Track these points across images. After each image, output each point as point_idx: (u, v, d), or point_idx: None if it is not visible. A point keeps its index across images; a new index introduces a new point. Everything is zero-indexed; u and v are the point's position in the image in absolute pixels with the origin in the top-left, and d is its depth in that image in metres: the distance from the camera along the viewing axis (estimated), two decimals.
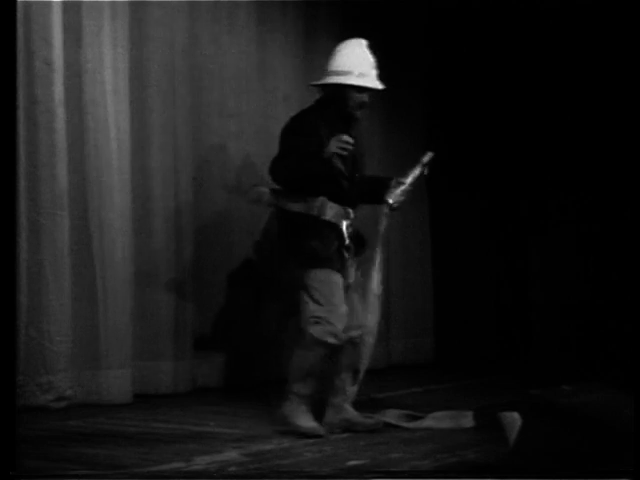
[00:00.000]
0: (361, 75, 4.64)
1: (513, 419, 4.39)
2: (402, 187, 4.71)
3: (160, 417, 5.03)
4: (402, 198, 4.72)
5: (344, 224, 4.69)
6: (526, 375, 6.40)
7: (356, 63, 4.65)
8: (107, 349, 5.39)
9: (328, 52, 6.42)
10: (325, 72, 4.72)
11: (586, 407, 4.84)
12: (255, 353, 6.20)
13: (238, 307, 6.16)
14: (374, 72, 4.69)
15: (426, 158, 4.80)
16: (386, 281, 6.98)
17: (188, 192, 5.90)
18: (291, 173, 4.61)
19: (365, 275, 4.76)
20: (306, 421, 4.62)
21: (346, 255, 4.70)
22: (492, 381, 6.42)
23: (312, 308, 4.64)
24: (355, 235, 4.74)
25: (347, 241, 4.68)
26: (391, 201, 4.69)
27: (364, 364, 4.74)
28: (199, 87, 6.01)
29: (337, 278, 4.67)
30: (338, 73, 4.66)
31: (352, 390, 4.77)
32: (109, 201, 5.40)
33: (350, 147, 4.51)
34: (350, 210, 4.73)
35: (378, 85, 4.70)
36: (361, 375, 4.75)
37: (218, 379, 6.08)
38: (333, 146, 4.50)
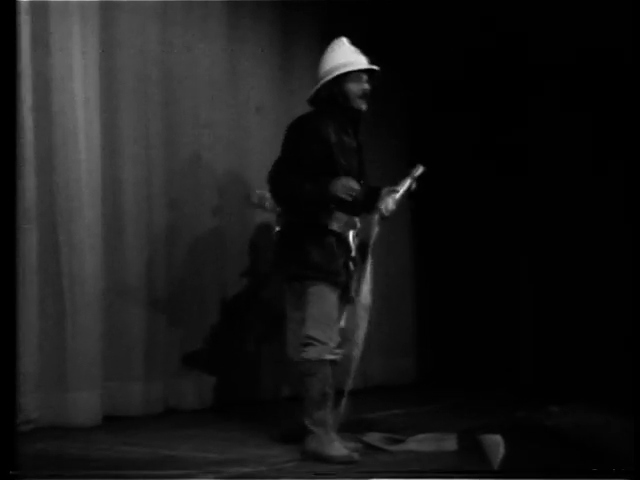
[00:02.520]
0: (351, 64, 4.57)
1: (495, 442, 4.35)
2: (394, 196, 4.64)
3: (130, 440, 4.86)
4: (394, 207, 4.64)
5: (351, 235, 4.58)
6: (511, 396, 6.33)
7: (341, 56, 4.59)
8: (75, 369, 5.21)
9: (303, 60, 6.38)
10: (316, 80, 4.66)
11: (573, 428, 4.83)
12: (229, 374, 6.06)
13: (211, 326, 6.03)
14: (363, 58, 4.63)
15: (417, 171, 4.73)
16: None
17: (161, 206, 5.76)
18: (290, 197, 4.53)
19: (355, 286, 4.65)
20: (338, 450, 4.45)
21: (352, 267, 4.60)
22: (475, 402, 6.30)
23: (305, 330, 4.54)
24: (361, 246, 4.64)
25: (354, 253, 4.58)
26: (384, 210, 4.60)
27: (349, 383, 4.61)
28: (171, 97, 5.88)
29: (335, 296, 4.55)
30: (329, 72, 4.58)
31: (338, 413, 4.63)
32: (78, 215, 5.24)
33: (354, 194, 4.41)
34: (357, 219, 4.62)
35: (371, 66, 4.62)
36: (346, 394, 4.61)
37: (191, 401, 5.92)
38: (340, 190, 4.40)
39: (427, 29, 7.38)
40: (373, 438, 4.75)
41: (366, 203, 4.64)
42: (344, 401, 4.61)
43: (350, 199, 4.44)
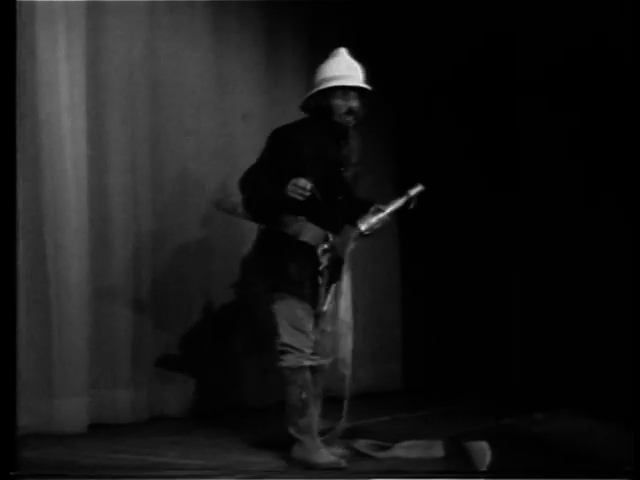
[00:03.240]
0: (343, 78, 4.48)
1: (481, 449, 4.37)
2: (379, 215, 4.54)
3: (117, 447, 4.87)
4: (376, 226, 4.54)
5: (320, 248, 4.52)
6: (497, 403, 6.33)
7: (335, 69, 4.52)
8: (62, 376, 5.22)
9: (290, 66, 6.37)
10: (310, 89, 4.60)
11: (558, 435, 4.84)
12: (216, 381, 6.08)
13: (197, 334, 6.03)
14: (359, 75, 4.54)
15: (414, 191, 4.62)
16: (352, 305, 7.00)
17: (147, 213, 5.77)
18: (251, 199, 4.56)
19: (334, 303, 4.62)
20: (324, 457, 4.45)
21: (320, 281, 4.55)
22: (462, 409, 6.31)
23: (280, 338, 4.54)
24: (335, 260, 4.57)
25: (321, 266, 4.51)
26: (362, 228, 4.52)
27: (346, 403, 4.57)
28: (157, 104, 5.89)
29: (305, 306, 4.54)
30: (319, 84, 4.53)
31: (340, 426, 4.61)
32: (65, 221, 5.25)
33: (307, 193, 4.32)
34: (330, 234, 4.55)
35: (362, 84, 4.52)
36: (345, 409, 4.57)
37: (178, 407, 5.93)
38: (290, 189, 4.33)
39: (414, 30, 7.37)
40: (360, 444, 4.76)
41: (350, 217, 4.59)
42: (343, 420, 4.57)
43: (302, 198, 4.34)
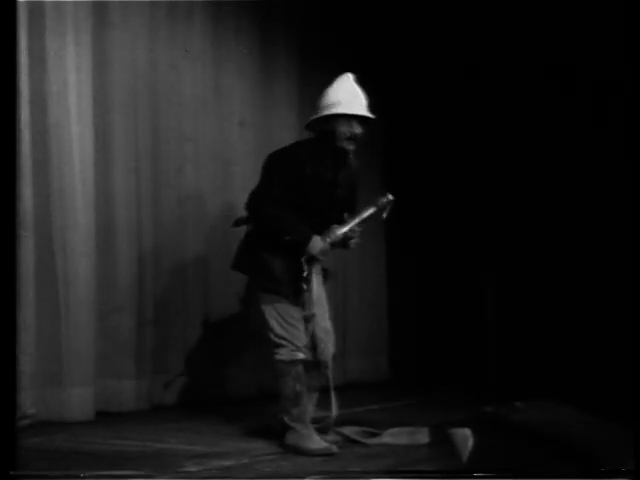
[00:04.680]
0: (347, 105, 4.63)
1: (464, 436, 4.48)
2: (343, 228, 4.72)
3: (122, 434, 5.04)
4: (339, 238, 4.72)
5: (303, 257, 4.70)
6: (480, 392, 6.47)
7: (341, 95, 4.66)
8: (70, 367, 5.41)
9: (286, 76, 6.47)
10: (315, 110, 4.73)
11: (539, 424, 4.94)
12: (216, 371, 6.27)
13: (198, 325, 6.24)
14: (363, 102, 4.69)
15: (383, 201, 4.76)
16: (342, 301, 7.14)
17: (150, 214, 5.97)
18: (270, 233, 4.68)
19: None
20: (316, 443, 4.65)
21: (304, 287, 4.72)
22: (446, 398, 6.50)
23: (273, 331, 4.74)
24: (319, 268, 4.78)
25: (305, 273, 4.68)
26: (328, 240, 4.71)
27: (333, 399, 4.78)
28: (158, 111, 6.07)
29: (290, 302, 4.75)
30: (324, 108, 4.66)
31: (332, 416, 4.81)
32: (73, 222, 5.45)
33: (326, 256, 4.65)
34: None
35: (366, 113, 4.67)
36: (333, 401, 4.78)
37: (179, 396, 6.13)
38: (317, 252, 4.61)
39: (404, 42, 7.51)
40: (351, 431, 4.96)
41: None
42: (334, 410, 4.77)
43: (323, 258, 4.65)
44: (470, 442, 4.45)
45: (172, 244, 6.17)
